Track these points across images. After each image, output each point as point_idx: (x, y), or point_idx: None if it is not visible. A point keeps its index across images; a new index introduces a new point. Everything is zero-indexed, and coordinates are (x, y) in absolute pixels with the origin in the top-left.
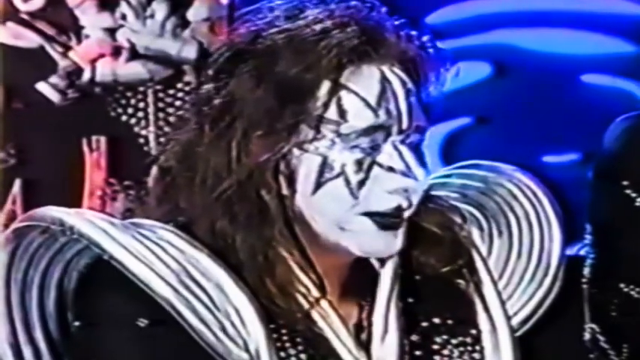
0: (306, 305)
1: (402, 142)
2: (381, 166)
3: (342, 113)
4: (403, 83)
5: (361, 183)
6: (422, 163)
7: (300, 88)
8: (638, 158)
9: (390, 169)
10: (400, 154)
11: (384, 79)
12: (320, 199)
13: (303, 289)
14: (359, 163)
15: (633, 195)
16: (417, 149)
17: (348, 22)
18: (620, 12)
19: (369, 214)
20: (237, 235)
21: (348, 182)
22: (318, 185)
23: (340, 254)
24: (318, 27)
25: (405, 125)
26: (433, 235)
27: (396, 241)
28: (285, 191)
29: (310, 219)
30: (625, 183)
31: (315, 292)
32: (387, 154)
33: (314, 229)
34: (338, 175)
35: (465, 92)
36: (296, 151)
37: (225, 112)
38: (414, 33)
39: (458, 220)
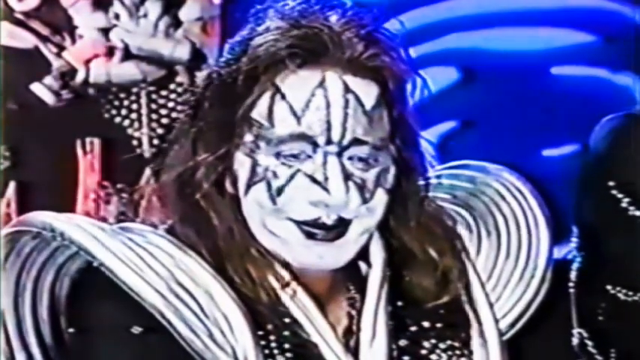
0: (274, 292)
1: (338, 154)
2: (305, 175)
3: (270, 117)
4: (345, 91)
5: (280, 189)
6: (354, 180)
7: (237, 87)
8: (624, 159)
9: (313, 180)
10: (325, 166)
11: (320, 86)
12: (248, 202)
13: (271, 276)
14: (282, 169)
15: (619, 196)
16: (366, 163)
17: (293, 25)
18: (575, 5)
19: (294, 221)
20: (181, 230)
21: (269, 187)
22: (248, 187)
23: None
24: (262, 27)
25: (335, 137)
26: (430, 259)
27: (332, 254)
28: (230, 190)
29: (249, 221)
30: (611, 184)
31: (287, 276)
32: (314, 164)
33: (254, 234)
34: (261, 180)
35: (440, 98)
36: (237, 154)
37: (188, 113)
38: (381, 42)
39: (459, 245)
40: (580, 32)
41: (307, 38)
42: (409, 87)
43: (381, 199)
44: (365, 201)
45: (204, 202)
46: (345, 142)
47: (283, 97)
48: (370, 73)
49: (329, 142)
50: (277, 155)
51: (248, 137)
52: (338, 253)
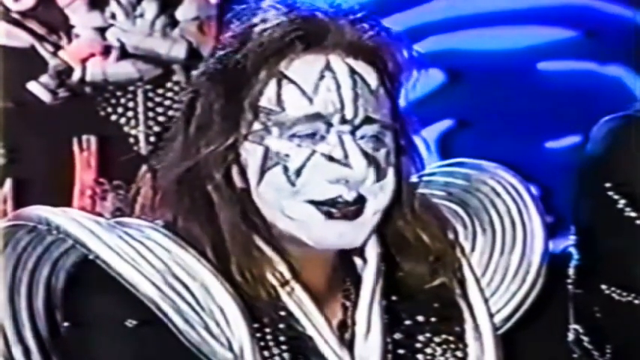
0: (275, 289)
1: (352, 132)
2: (322, 155)
3: (280, 102)
4: (352, 73)
5: (298, 171)
6: (371, 156)
7: (240, 78)
8: (621, 160)
9: (331, 158)
10: (343, 144)
11: (327, 68)
12: (263, 189)
13: (270, 274)
14: (297, 151)
15: (616, 197)
16: (376, 142)
17: (290, 12)
18: (552, 3)
19: (313, 202)
20: (184, 224)
21: (285, 170)
22: (262, 175)
23: (316, 250)
24: (259, 17)
25: (349, 115)
26: (423, 244)
27: (351, 232)
28: (239, 184)
29: (263, 210)
30: (608, 185)
31: (287, 274)
32: (330, 144)
33: (269, 222)
34: (277, 164)
35: (430, 100)
36: (246, 144)
37: (186, 108)
38: (376, 25)
39: (451, 234)
40: (560, 28)
41: (309, 21)
42: (407, 70)
43: (391, 177)
44: (379, 178)
45: (215, 195)
46: (358, 121)
47: (291, 81)
48: (369, 56)
49: (343, 121)
50: (292, 137)
51: (257, 125)
52: (356, 231)
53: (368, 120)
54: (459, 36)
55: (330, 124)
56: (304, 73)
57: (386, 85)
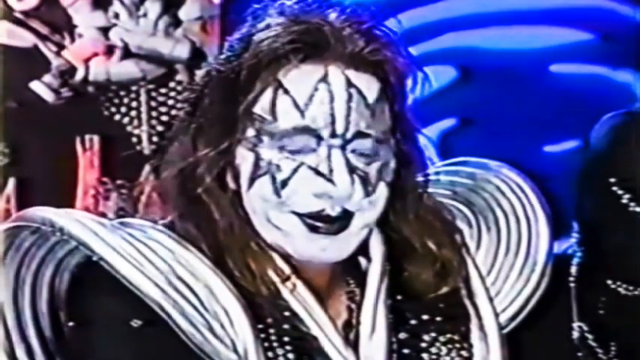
0: (275, 285)
1: (342, 146)
2: (309, 168)
3: (273, 111)
4: (348, 85)
5: (284, 182)
6: (359, 172)
7: (239, 82)
8: (624, 155)
9: (317, 172)
10: (330, 158)
11: (323, 80)
12: (252, 195)
13: (270, 270)
14: (285, 162)
15: (620, 192)
16: (369, 156)
17: (295, 20)
18: (571, 4)
19: (297, 214)
20: (181, 225)
21: (273, 180)
22: (251, 182)
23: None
24: (263, 24)
25: (339, 129)
26: (429, 251)
27: (335, 247)
28: (232, 186)
29: (251, 217)
30: (612, 180)
31: (287, 270)
32: (318, 157)
33: (257, 229)
34: (265, 173)
35: (438, 96)
36: (240, 149)
37: (188, 109)
38: (381, 37)
39: (458, 239)
40: (577, 31)
41: (309, 33)
42: (410, 82)
43: (382, 192)
44: (368, 194)
45: (206, 197)
46: (349, 135)
47: (286, 91)
48: (371, 68)
49: (333, 135)
50: (281, 149)
51: (250, 132)
52: (340, 246)
53: (360, 134)
54: (476, 34)
55: (320, 138)
56: (300, 83)
57: (387, 95)
